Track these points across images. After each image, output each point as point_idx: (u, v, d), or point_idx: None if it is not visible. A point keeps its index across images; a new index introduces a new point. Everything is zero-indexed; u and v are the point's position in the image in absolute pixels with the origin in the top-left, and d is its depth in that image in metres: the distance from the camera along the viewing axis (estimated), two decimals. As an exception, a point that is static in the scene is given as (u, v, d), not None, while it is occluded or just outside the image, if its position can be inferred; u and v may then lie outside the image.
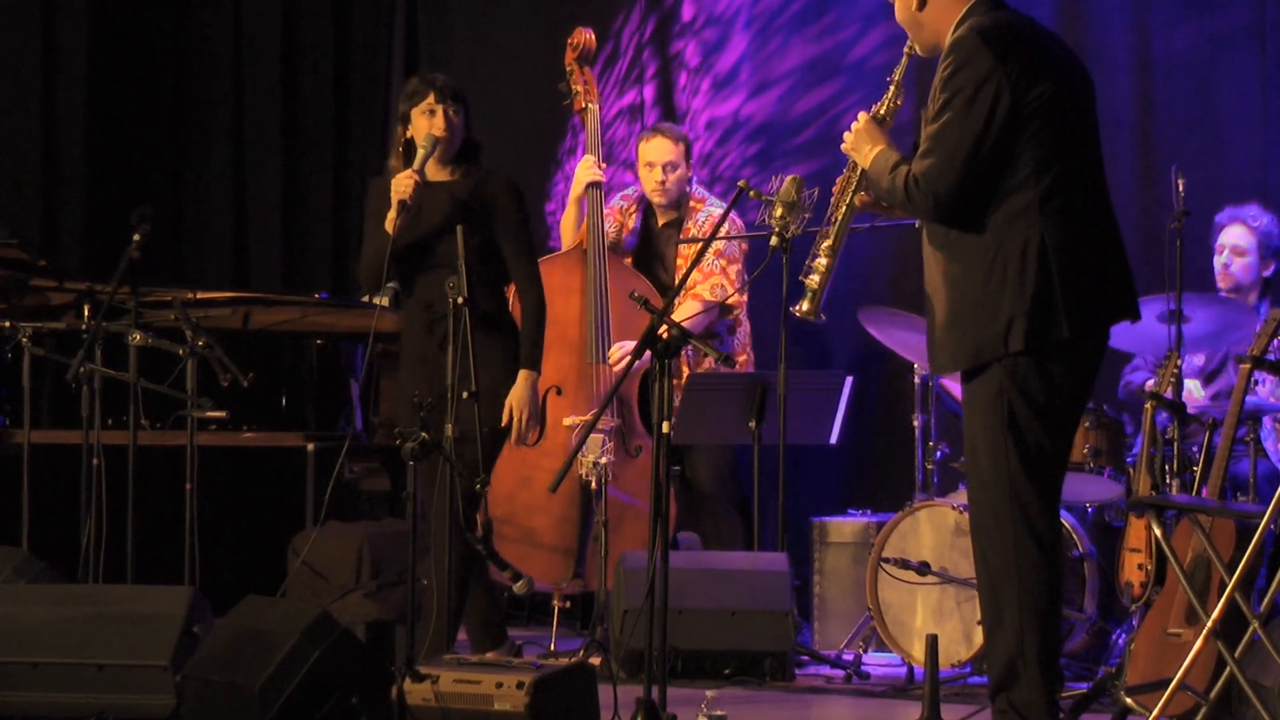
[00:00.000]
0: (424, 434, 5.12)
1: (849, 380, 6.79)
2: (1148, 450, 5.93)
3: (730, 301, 7.04)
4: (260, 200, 8.73)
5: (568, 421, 6.91)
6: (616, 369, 6.90)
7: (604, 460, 6.71)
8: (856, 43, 7.90)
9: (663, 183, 7.13)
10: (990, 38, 4.53)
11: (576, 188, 7.14)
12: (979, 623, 5.08)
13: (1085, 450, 6.31)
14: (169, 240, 8.58)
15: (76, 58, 8.48)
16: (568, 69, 7.21)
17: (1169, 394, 5.99)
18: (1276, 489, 4.88)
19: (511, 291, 6.07)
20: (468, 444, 5.49)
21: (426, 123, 5.80)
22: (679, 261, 7.13)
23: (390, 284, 5.83)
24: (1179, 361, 6.02)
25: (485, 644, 5.95)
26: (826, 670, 6.42)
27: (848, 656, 6.48)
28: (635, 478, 6.89)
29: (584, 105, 7.18)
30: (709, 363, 7.00)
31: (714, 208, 7.12)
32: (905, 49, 4.82)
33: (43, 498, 6.76)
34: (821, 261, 4.88)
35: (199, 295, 7.19)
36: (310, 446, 7.12)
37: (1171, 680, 4.82)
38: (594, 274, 7.01)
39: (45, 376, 6.82)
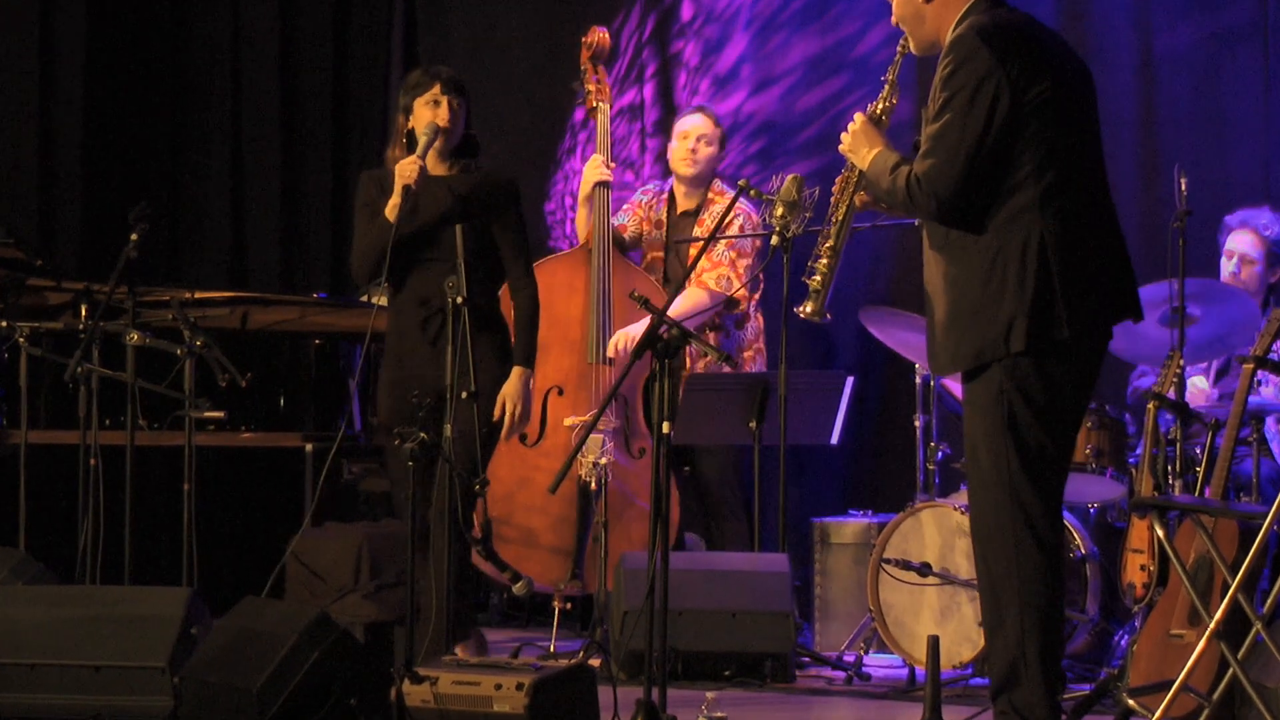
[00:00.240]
0: (423, 434, 5.11)
1: (850, 380, 6.77)
2: (1150, 451, 5.91)
3: (735, 295, 7.02)
4: (258, 199, 8.72)
5: (568, 422, 6.89)
6: (619, 355, 6.87)
7: (604, 461, 6.70)
8: (859, 39, 7.88)
9: (693, 151, 7.10)
10: (990, 37, 4.51)
11: (585, 187, 7.13)
12: (980, 624, 5.06)
13: (1087, 451, 6.29)
14: (167, 239, 8.57)
15: (74, 56, 8.47)
16: (581, 68, 7.20)
17: (1171, 394, 5.97)
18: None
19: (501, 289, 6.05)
20: (464, 444, 5.47)
21: (430, 113, 5.78)
22: (691, 251, 7.10)
23: (376, 280, 5.77)
24: (1181, 361, 6.00)
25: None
26: (828, 672, 6.40)
27: (849, 658, 6.47)
28: (638, 480, 6.86)
29: (594, 105, 7.17)
30: (710, 360, 6.98)
31: (732, 196, 7.08)
32: (899, 47, 4.81)
33: (40, 498, 6.75)
34: (824, 262, 4.87)
35: (197, 295, 7.20)
36: (309, 447, 7.12)
37: (1174, 682, 4.83)
38: (597, 274, 7.00)
39: (42, 376, 6.82)
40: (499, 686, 4.78)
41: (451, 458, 5.24)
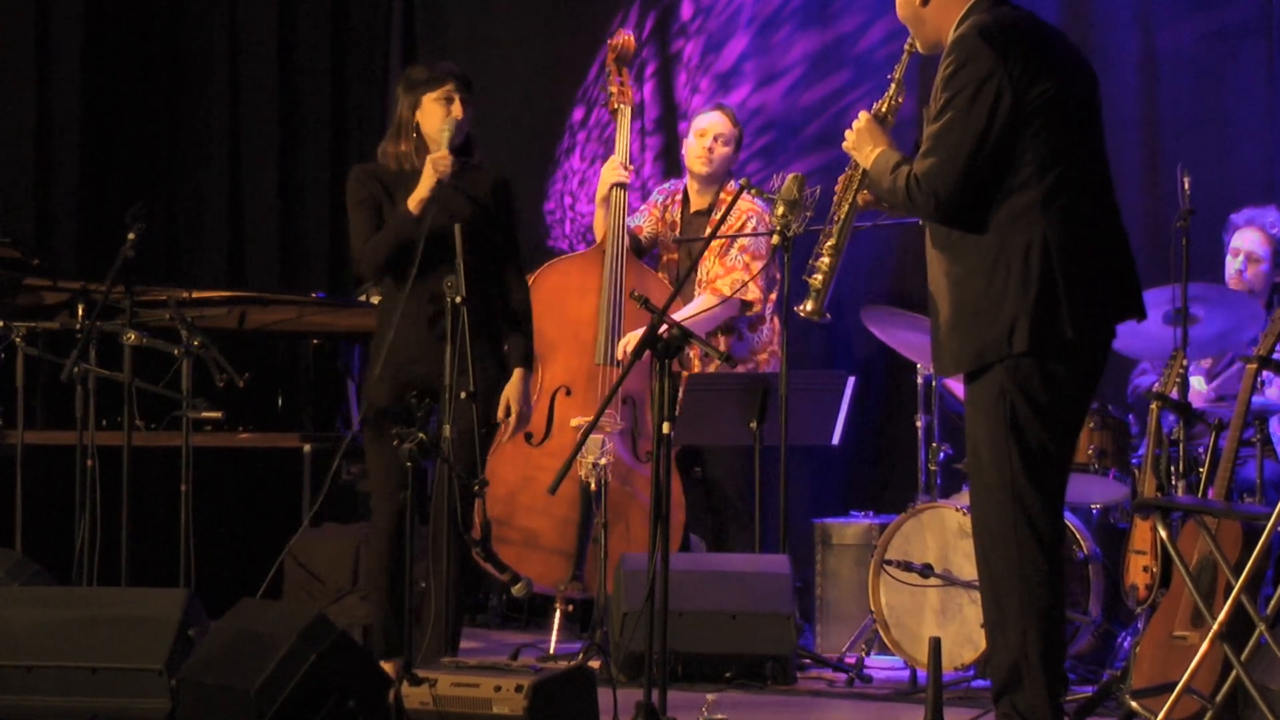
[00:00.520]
0: (421, 434, 5.08)
1: (851, 380, 6.76)
2: (1153, 451, 5.90)
3: (749, 298, 6.99)
4: (256, 198, 8.70)
5: (574, 422, 6.87)
6: (627, 357, 6.85)
7: (603, 462, 6.68)
8: (861, 35, 7.86)
9: (709, 150, 7.09)
10: (992, 36, 4.50)
11: (602, 188, 7.13)
12: (982, 626, 5.05)
13: (1090, 451, 6.28)
14: (164, 239, 8.55)
15: (71, 54, 8.45)
16: (607, 69, 7.21)
17: (1174, 394, 5.95)
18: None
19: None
20: (463, 444, 5.44)
21: (442, 109, 5.73)
22: (706, 256, 7.08)
23: (388, 274, 5.71)
24: (1184, 361, 5.98)
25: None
26: (829, 674, 6.40)
27: (850, 660, 6.45)
28: (645, 482, 6.83)
29: (616, 106, 7.18)
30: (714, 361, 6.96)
31: (744, 199, 7.05)
32: (906, 46, 4.80)
33: (36, 499, 6.74)
34: (825, 261, 4.86)
35: (194, 294, 7.18)
36: (307, 447, 7.11)
37: (1177, 684, 4.83)
38: (610, 275, 6.98)
39: (39, 376, 6.80)
40: (498, 688, 4.77)
41: (450, 458, 5.22)
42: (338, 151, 8.71)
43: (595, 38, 8.27)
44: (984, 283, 4.50)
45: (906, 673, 6.27)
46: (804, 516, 7.21)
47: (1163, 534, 4.99)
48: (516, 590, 5.39)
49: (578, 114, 8.32)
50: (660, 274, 7.18)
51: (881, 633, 6.34)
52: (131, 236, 6.02)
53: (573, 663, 5.43)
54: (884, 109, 4.80)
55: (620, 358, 6.91)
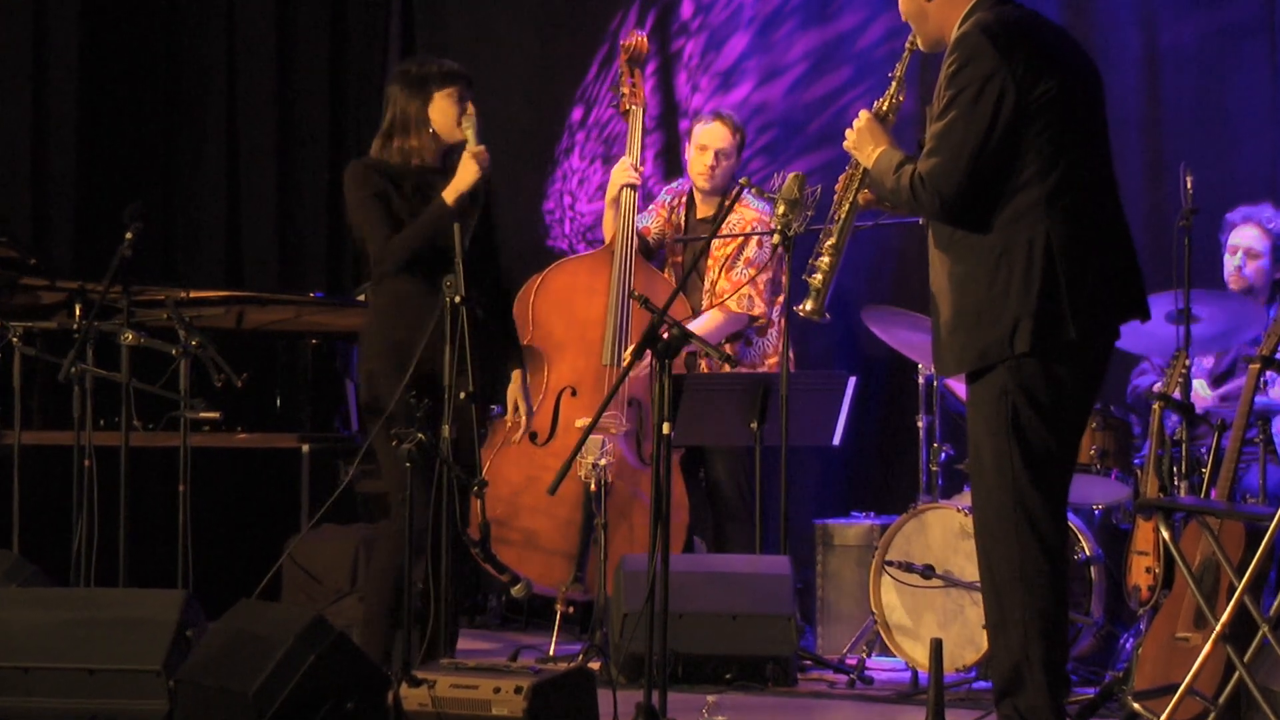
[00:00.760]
0: (420, 435, 5.07)
1: (852, 381, 6.74)
2: (1155, 452, 5.89)
3: (755, 313, 6.98)
4: (254, 198, 8.69)
5: (579, 423, 6.85)
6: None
7: (603, 462, 6.66)
8: (861, 33, 7.85)
9: (712, 168, 7.08)
10: (995, 34, 4.50)
11: (611, 189, 7.12)
12: (984, 627, 5.04)
13: (1092, 452, 6.28)
14: (162, 238, 8.54)
15: (68, 52, 8.45)
16: (619, 70, 7.22)
17: (1177, 395, 5.93)
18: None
19: None
20: (463, 444, 5.42)
21: (456, 106, 5.73)
22: (709, 262, 7.06)
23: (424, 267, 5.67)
24: (1187, 362, 5.97)
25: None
26: (829, 675, 6.38)
27: (851, 661, 6.44)
28: (649, 484, 6.81)
29: (628, 107, 7.18)
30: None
31: (749, 209, 7.04)
32: (907, 44, 4.79)
33: (34, 500, 6.73)
34: (825, 260, 4.86)
35: (192, 294, 7.17)
36: (305, 448, 7.11)
37: (1180, 685, 4.83)
38: (618, 276, 6.97)
39: (36, 377, 6.79)
40: (497, 690, 4.76)
41: (449, 459, 5.20)
42: (336, 151, 8.69)
43: (595, 37, 8.27)
44: (986, 283, 4.50)
45: (908, 674, 6.25)
46: (807, 517, 7.20)
47: (1165, 535, 4.98)
48: (516, 591, 5.39)
49: (577, 113, 8.31)
50: (667, 275, 7.16)
51: (883, 634, 6.33)
52: (129, 236, 6.01)
53: (572, 664, 5.43)
54: (885, 107, 4.79)
55: (627, 359, 6.90)
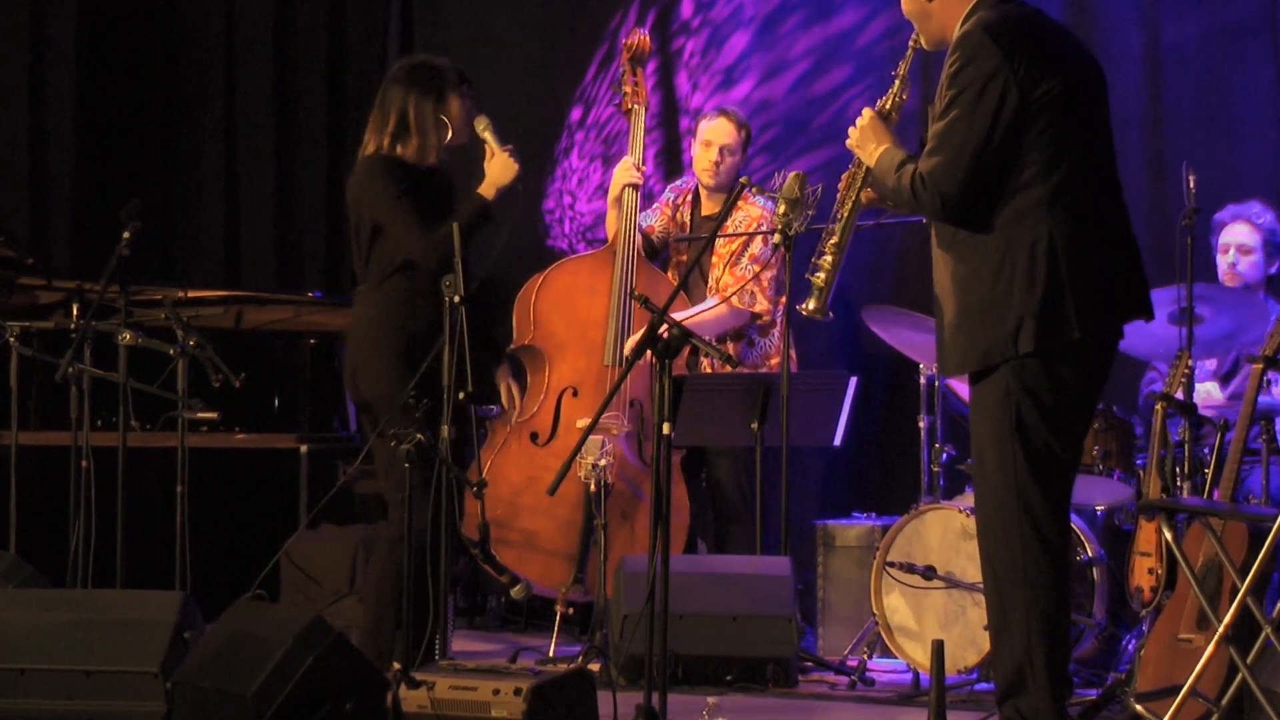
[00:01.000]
0: (419, 435, 5.06)
1: (853, 381, 6.72)
2: (1158, 452, 5.87)
3: (758, 309, 6.96)
4: (253, 197, 8.69)
5: (580, 423, 6.83)
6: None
7: (603, 463, 6.64)
8: (861, 31, 7.84)
9: (717, 164, 7.06)
10: (997, 33, 4.49)
11: (614, 188, 7.11)
12: (986, 628, 5.02)
13: (1095, 452, 6.26)
14: (159, 238, 8.53)
15: (65, 52, 8.45)
16: (621, 69, 7.21)
17: (1179, 395, 5.92)
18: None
19: None
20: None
21: (466, 111, 5.75)
22: (713, 259, 7.05)
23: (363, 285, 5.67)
24: (1189, 362, 5.95)
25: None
26: (830, 676, 6.37)
27: (852, 662, 6.42)
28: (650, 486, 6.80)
29: (630, 106, 7.18)
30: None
31: (753, 206, 7.02)
32: (910, 42, 4.79)
33: (31, 500, 6.74)
34: (828, 259, 4.85)
35: (190, 294, 7.18)
36: (303, 448, 7.11)
37: (1182, 687, 4.83)
38: (620, 276, 6.95)
39: (33, 377, 6.80)
40: (497, 692, 4.75)
41: (449, 459, 5.19)
42: (334, 151, 8.68)
43: (594, 37, 8.26)
44: (989, 283, 4.49)
45: (909, 676, 6.24)
46: (808, 518, 7.18)
47: (1168, 536, 4.96)
48: (515, 592, 5.38)
49: (576, 113, 8.30)
50: (671, 275, 7.15)
51: (884, 635, 6.31)
52: (127, 235, 6.00)
53: (572, 665, 5.41)
54: (888, 106, 4.79)
55: (628, 352, 6.88)
